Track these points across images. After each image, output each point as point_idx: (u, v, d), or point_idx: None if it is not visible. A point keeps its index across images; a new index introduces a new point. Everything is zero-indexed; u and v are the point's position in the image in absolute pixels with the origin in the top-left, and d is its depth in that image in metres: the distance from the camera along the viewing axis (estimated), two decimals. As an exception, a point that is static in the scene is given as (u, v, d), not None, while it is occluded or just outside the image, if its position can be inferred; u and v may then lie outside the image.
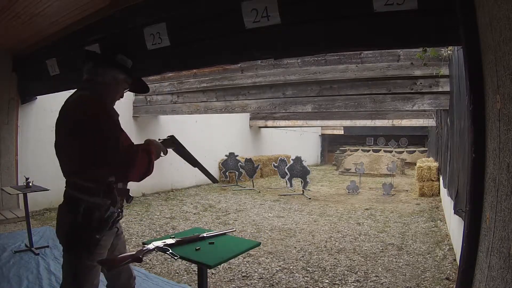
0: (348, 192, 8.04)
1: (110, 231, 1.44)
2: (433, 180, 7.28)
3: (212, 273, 2.99)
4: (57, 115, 1.43)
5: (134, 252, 1.48)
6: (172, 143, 1.61)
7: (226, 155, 8.92)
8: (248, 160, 8.96)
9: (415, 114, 8.12)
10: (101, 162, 1.31)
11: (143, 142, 1.47)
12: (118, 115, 1.49)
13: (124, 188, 1.49)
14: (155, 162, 1.44)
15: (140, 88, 1.78)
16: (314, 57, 4.27)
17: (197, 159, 1.67)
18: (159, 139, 1.57)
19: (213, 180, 1.94)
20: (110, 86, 1.47)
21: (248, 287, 2.80)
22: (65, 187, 1.43)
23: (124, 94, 1.61)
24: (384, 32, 1.85)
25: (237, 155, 8.85)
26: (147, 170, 1.39)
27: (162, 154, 1.53)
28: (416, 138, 15.58)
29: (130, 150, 1.34)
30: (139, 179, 1.40)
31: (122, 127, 1.42)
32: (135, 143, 1.43)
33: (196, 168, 1.69)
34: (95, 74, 1.46)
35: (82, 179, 1.36)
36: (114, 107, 1.54)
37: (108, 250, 1.50)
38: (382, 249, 3.80)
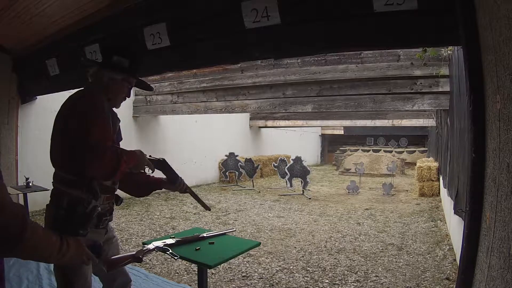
0: (348, 192, 8.04)
1: (96, 229, 1.42)
2: (433, 180, 7.28)
3: (212, 273, 2.99)
4: None
5: (134, 252, 1.48)
6: (162, 167, 1.59)
7: (226, 155, 8.90)
8: (248, 160, 8.95)
9: (415, 114, 8.12)
10: (77, 153, 1.31)
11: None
12: (116, 117, 1.49)
13: (111, 186, 1.46)
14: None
15: (144, 86, 1.80)
16: (314, 57, 4.28)
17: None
18: (149, 156, 1.55)
19: (206, 207, 1.77)
20: (108, 87, 1.50)
21: (248, 287, 2.81)
22: (52, 182, 1.43)
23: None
24: (384, 32, 1.85)
25: (237, 155, 8.85)
26: (111, 173, 1.37)
27: (145, 168, 1.51)
28: (416, 138, 15.60)
29: (99, 145, 1.31)
30: (102, 178, 1.40)
31: (122, 127, 1.42)
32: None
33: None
34: (95, 78, 1.51)
35: (66, 171, 1.37)
36: (116, 109, 1.55)
37: None
38: (382, 249, 3.80)
